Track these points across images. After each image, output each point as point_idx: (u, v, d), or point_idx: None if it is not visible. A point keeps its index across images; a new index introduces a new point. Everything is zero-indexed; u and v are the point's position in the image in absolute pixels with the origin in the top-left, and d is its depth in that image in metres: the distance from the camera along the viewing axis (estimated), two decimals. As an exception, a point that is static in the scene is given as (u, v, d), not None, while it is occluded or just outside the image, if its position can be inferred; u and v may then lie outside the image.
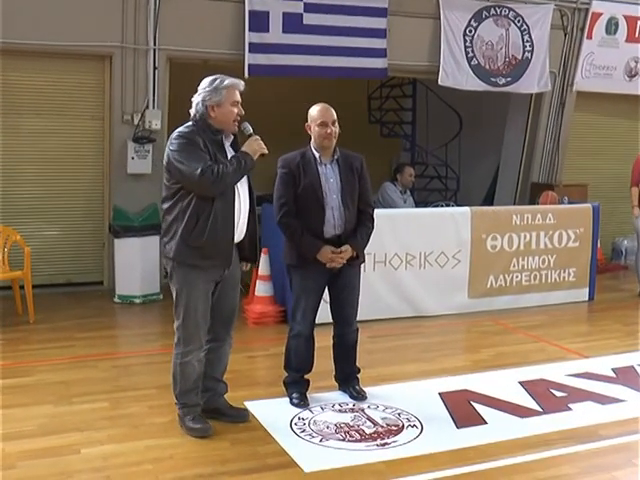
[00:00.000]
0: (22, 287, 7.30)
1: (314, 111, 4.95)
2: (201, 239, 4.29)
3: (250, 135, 4.48)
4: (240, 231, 4.48)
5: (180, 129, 4.41)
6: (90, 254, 8.75)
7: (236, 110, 4.40)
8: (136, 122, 8.36)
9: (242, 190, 4.47)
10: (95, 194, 8.65)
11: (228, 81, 4.41)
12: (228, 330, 4.66)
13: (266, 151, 4.45)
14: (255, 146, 4.42)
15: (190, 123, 4.43)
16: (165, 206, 4.43)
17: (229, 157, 4.41)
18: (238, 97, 4.43)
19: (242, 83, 4.47)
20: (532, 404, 5.18)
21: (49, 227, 8.52)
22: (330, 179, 4.93)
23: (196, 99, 4.41)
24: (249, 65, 8.54)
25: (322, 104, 4.97)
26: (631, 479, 4.08)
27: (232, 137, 4.53)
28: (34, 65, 8.12)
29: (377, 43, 9.21)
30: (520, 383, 5.60)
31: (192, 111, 4.43)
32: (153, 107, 8.39)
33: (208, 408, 4.70)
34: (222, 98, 4.36)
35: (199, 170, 4.19)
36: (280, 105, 11.01)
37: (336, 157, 4.98)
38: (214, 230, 4.30)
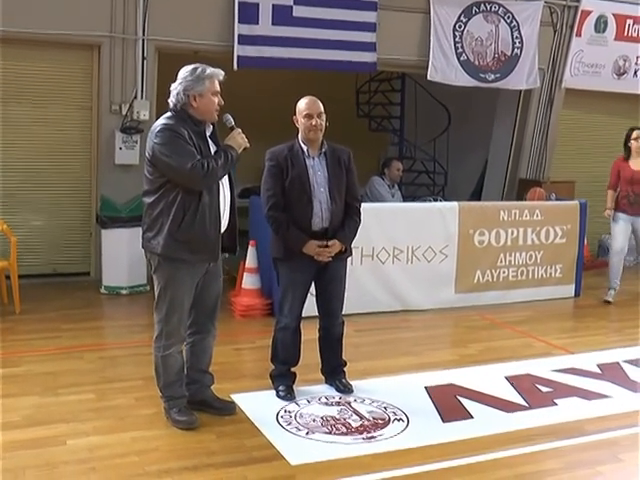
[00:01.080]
0: (8, 277, 7.27)
1: (301, 103, 4.96)
2: (189, 233, 4.27)
3: (232, 128, 4.45)
4: (224, 223, 4.47)
5: (163, 120, 4.34)
6: (77, 245, 8.70)
7: (217, 100, 4.37)
8: (124, 112, 8.31)
9: (225, 182, 4.47)
10: (82, 184, 8.60)
11: (210, 71, 4.37)
12: (212, 321, 4.66)
13: (248, 145, 4.43)
14: (239, 140, 4.42)
15: (170, 114, 4.36)
16: (148, 200, 4.36)
17: (212, 150, 4.39)
18: (218, 87, 4.40)
19: (222, 73, 4.43)
20: (518, 399, 5.20)
21: (36, 217, 8.46)
22: (317, 172, 4.93)
23: (176, 88, 4.34)
24: (238, 57, 8.51)
25: (309, 97, 4.98)
26: (616, 474, 4.10)
27: (211, 128, 4.49)
28: (21, 54, 8.04)
29: (367, 37, 9.19)
30: (506, 378, 5.62)
31: (171, 100, 4.37)
32: (141, 97, 8.35)
33: (194, 400, 4.69)
34: (204, 88, 4.32)
35: (189, 164, 4.16)
36: (268, 98, 10.97)
37: (324, 150, 4.98)
38: (202, 224, 4.29)
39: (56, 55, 8.22)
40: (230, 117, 4.47)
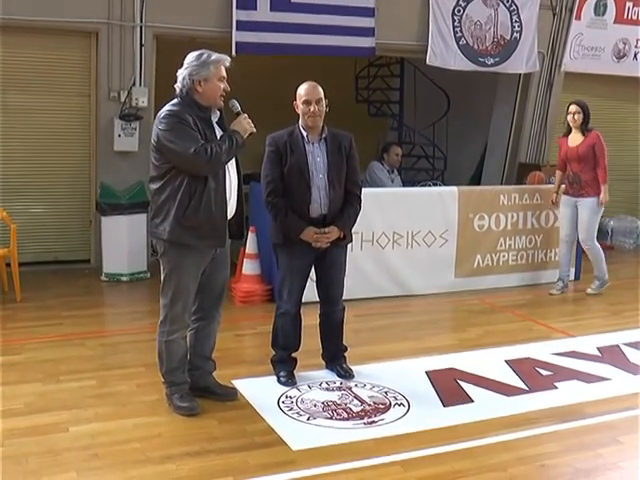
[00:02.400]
0: (8, 265, 7.26)
1: (300, 89, 4.93)
2: (195, 219, 4.26)
3: (238, 113, 4.45)
4: (231, 209, 4.46)
5: (168, 107, 4.33)
6: (77, 232, 8.70)
7: (222, 85, 4.36)
8: (123, 99, 8.29)
9: (231, 168, 4.45)
10: (82, 171, 8.59)
11: (215, 56, 4.36)
12: (217, 307, 4.65)
13: (254, 130, 4.42)
14: (245, 125, 4.40)
15: (176, 100, 4.36)
16: (154, 186, 4.35)
17: (218, 135, 4.37)
18: (224, 73, 4.38)
19: (228, 59, 4.42)
20: (518, 383, 5.21)
21: (35, 204, 8.46)
22: (317, 158, 4.90)
23: (182, 73, 4.34)
24: (236, 43, 8.47)
25: (310, 82, 4.94)
26: (616, 457, 4.10)
27: (218, 114, 4.48)
28: (19, 41, 8.00)
29: (365, 22, 9.15)
30: (506, 362, 5.62)
31: (178, 85, 4.37)
32: (140, 84, 8.32)
33: (197, 386, 4.69)
34: (210, 73, 4.31)
35: (192, 150, 4.15)
36: (267, 83, 10.93)
37: (324, 136, 4.95)
38: (208, 209, 4.28)
39: (54, 42, 8.19)
40: (236, 103, 4.45)
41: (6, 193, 8.14)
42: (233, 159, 4.46)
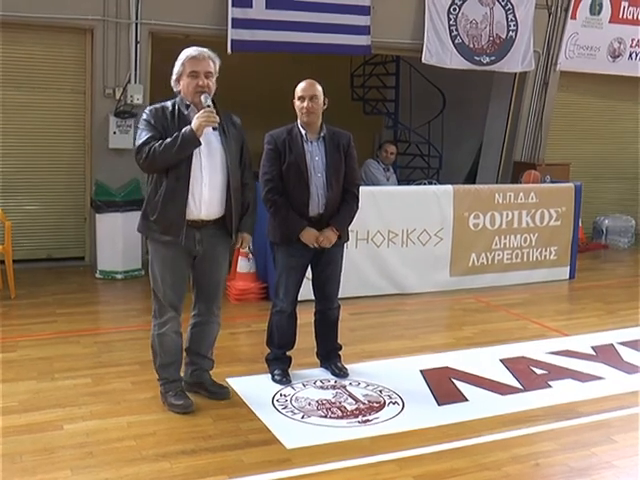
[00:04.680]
0: (2, 262, 7.24)
1: (298, 86, 4.93)
2: (154, 214, 4.35)
3: (208, 106, 4.32)
4: (209, 206, 4.39)
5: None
6: (71, 229, 8.68)
7: (197, 81, 4.33)
8: (118, 96, 8.27)
9: (210, 164, 4.36)
10: (76, 169, 8.56)
11: (188, 52, 4.39)
12: (209, 307, 4.65)
13: (215, 123, 4.27)
14: (201, 120, 4.22)
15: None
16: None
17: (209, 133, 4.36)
18: (198, 67, 4.33)
19: (204, 53, 4.37)
20: (513, 381, 5.22)
21: (30, 202, 8.43)
22: (315, 157, 4.90)
23: None
24: (232, 41, 8.45)
25: (308, 80, 4.94)
26: (610, 455, 4.12)
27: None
28: (12, 38, 7.97)
29: (361, 20, 9.14)
30: (501, 360, 5.64)
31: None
32: (135, 81, 8.31)
33: (192, 381, 4.74)
34: (181, 70, 4.38)
35: (136, 148, 4.27)
36: (263, 81, 10.96)
37: (323, 134, 4.94)
38: (164, 205, 4.32)
39: (48, 39, 8.16)
40: (206, 97, 4.31)
41: (0, 190, 8.12)
42: (219, 154, 4.38)
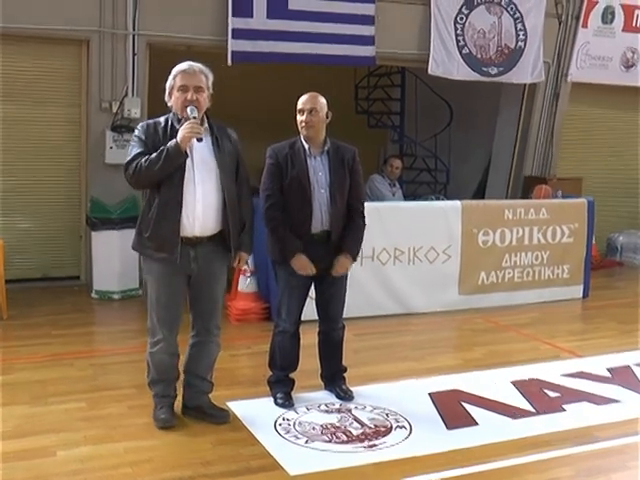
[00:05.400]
0: (-5, 282, 7.24)
1: (300, 99, 4.95)
2: (148, 230, 4.38)
3: (195, 118, 4.33)
4: (203, 223, 4.40)
5: None
6: (66, 247, 8.68)
7: (185, 95, 4.37)
8: (114, 110, 8.29)
9: (203, 179, 4.38)
10: (71, 185, 8.58)
11: (179, 66, 4.45)
12: (208, 327, 4.66)
13: (200, 134, 4.26)
14: (185, 132, 4.25)
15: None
16: None
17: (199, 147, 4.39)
18: (188, 82, 4.37)
19: (194, 67, 4.42)
20: (525, 404, 5.19)
21: (23, 219, 8.44)
22: (319, 172, 4.90)
23: None
24: (232, 52, 8.49)
25: (311, 93, 4.95)
26: (627, 482, 4.10)
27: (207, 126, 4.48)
28: (6, 50, 7.99)
29: (365, 30, 9.18)
30: (512, 383, 5.61)
31: None
32: (132, 95, 8.33)
33: (190, 405, 4.74)
34: (172, 83, 4.44)
35: (125, 165, 4.34)
36: (264, 94, 10.99)
37: (326, 149, 4.95)
38: (157, 222, 4.35)
39: (43, 51, 8.19)
40: (192, 109, 4.32)
41: (-7, 207, 8.14)
42: (213, 169, 4.40)
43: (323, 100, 4.94)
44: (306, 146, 4.92)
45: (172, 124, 4.41)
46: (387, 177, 8.79)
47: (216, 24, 8.51)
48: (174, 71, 4.45)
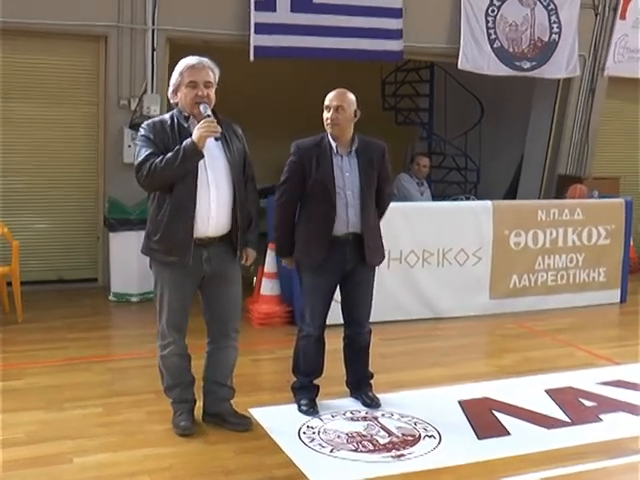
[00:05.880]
0: (10, 284, 7.29)
1: (327, 95, 4.94)
2: (159, 233, 4.39)
3: (208, 116, 4.34)
4: (217, 223, 4.43)
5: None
6: (83, 249, 8.75)
7: (195, 92, 4.37)
8: (133, 107, 8.34)
9: (216, 178, 4.40)
10: (89, 185, 8.64)
11: (186, 61, 4.44)
12: (224, 332, 4.66)
13: (217, 133, 4.29)
14: (201, 130, 4.26)
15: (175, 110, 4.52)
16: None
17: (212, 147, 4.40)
18: (197, 77, 4.37)
19: (203, 62, 4.42)
20: (559, 414, 5.16)
21: (39, 220, 8.52)
22: (346, 173, 4.88)
23: None
24: (255, 47, 8.52)
25: (340, 89, 4.94)
26: (668, 496, 4.05)
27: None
28: (21, 46, 8.09)
29: (392, 23, 9.17)
30: (546, 391, 5.57)
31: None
32: (151, 91, 8.38)
33: (210, 412, 4.76)
34: (179, 79, 4.42)
35: (137, 166, 4.32)
36: (287, 90, 11.02)
37: (354, 148, 4.93)
38: (169, 224, 4.35)
39: (59, 47, 8.27)
40: (205, 107, 4.34)
41: (8, 207, 8.19)
42: (223, 167, 4.41)
43: (352, 97, 4.92)
44: (333, 144, 4.90)
45: (179, 122, 4.41)
46: (414, 176, 8.77)
47: (238, 18, 8.54)
48: (181, 66, 4.43)
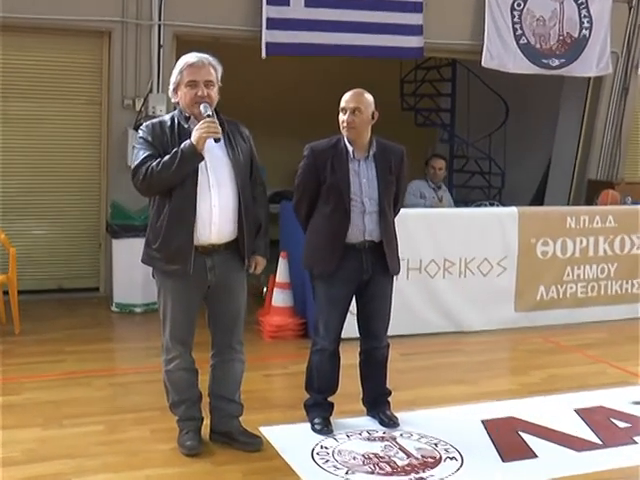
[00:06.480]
0: (6, 293, 7.31)
1: (343, 96, 4.93)
2: (157, 240, 4.40)
3: (209, 116, 4.34)
4: (220, 229, 4.42)
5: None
6: (84, 256, 8.79)
7: (195, 91, 4.37)
8: (138, 107, 8.38)
9: (218, 181, 4.40)
10: (91, 188, 8.68)
11: (185, 59, 4.45)
12: (229, 342, 4.66)
13: (217, 134, 4.27)
14: (200, 131, 4.25)
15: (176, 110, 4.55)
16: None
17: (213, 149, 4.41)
18: (197, 76, 4.37)
19: (203, 60, 4.42)
20: (590, 435, 5.12)
21: (38, 225, 8.56)
22: (363, 179, 4.87)
23: None
24: (267, 43, 8.54)
25: (356, 89, 4.93)
26: None
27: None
28: (20, 42, 8.14)
29: (412, 19, 9.19)
30: (576, 411, 5.55)
31: None
32: (157, 91, 8.41)
33: (218, 430, 4.74)
34: (179, 78, 4.43)
35: (133, 170, 4.33)
36: (300, 89, 11.03)
37: (372, 152, 4.92)
38: (168, 230, 4.35)
39: (60, 43, 8.33)
40: (205, 107, 4.33)
41: (5, 212, 8.24)
42: (227, 172, 4.41)
43: (369, 98, 4.91)
44: (350, 149, 4.90)
45: (179, 123, 4.42)
46: (430, 181, 8.69)
47: (249, 13, 8.57)
48: (180, 64, 4.44)
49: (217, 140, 4.30)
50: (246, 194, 4.48)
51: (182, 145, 4.26)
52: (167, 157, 4.25)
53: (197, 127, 4.27)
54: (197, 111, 4.35)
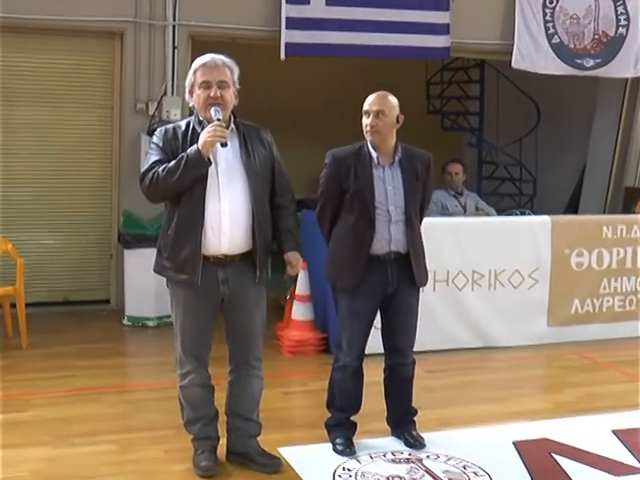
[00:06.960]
0: (13, 305, 7.35)
1: (367, 99, 4.95)
2: (167, 249, 4.44)
3: (218, 119, 4.34)
4: (231, 239, 4.41)
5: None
6: (95, 267, 8.83)
7: (208, 92, 4.37)
8: (151, 112, 8.42)
9: (229, 188, 4.40)
10: (102, 197, 8.73)
11: (200, 59, 4.47)
12: (246, 359, 4.67)
13: (224, 139, 4.26)
14: (206, 136, 4.25)
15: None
16: None
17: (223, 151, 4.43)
18: (210, 77, 4.38)
19: (217, 60, 4.43)
20: (629, 459, 5.08)
21: (46, 235, 8.61)
22: (388, 186, 4.87)
23: None
24: (286, 44, 8.57)
25: (380, 92, 4.94)
26: None
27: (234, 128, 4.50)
28: (31, 44, 8.22)
29: (438, 17, 9.20)
30: (614, 432, 5.51)
31: None
32: (172, 94, 8.45)
33: (235, 450, 4.74)
34: (193, 80, 4.46)
35: (141, 176, 4.37)
36: (322, 92, 11.06)
37: (398, 158, 4.93)
38: (176, 238, 4.39)
39: (70, 45, 8.39)
40: (216, 110, 4.33)
41: (12, 222, 8.28)
42: (240, 179, 4.41)
43: (394, 101, 4.92)
44: (374, 154, 4.90)
45: (193, 127, 4.44)
46: (449, 188, 8.66)
47: (267, 13, 8.60)
48: (194, 65, 4.47)
49: (224, 145, 4.28)
50: (261, 205, 4.48)
51: (188, 150, 4.29)
52: (173, 162, 4.28)
53: (204, 131, 4.29)
54: (209, 115, 4.36)
